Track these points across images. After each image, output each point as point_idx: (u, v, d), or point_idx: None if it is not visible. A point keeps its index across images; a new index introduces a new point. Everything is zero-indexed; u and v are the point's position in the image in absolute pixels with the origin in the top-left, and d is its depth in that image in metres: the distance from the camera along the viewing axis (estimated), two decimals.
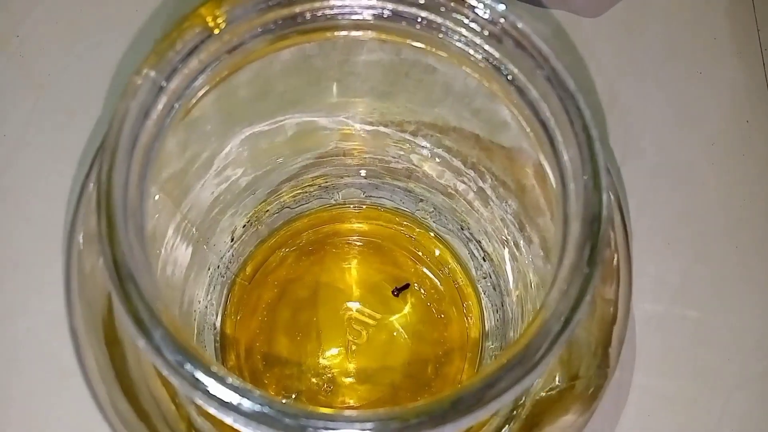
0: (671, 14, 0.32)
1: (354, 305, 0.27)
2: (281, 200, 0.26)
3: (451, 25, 0.15)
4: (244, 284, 0.27)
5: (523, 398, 0.20)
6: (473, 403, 0.12)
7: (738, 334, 0.28)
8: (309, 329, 0.26)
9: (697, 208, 0.29)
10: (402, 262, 0.28)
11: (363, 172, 0.26)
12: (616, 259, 0.17)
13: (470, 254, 0.27)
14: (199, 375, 0.12)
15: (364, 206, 0.28)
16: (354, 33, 0.16)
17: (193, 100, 0.16)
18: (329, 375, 0.26)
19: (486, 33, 0.15)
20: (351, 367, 0.26)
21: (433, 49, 0.16)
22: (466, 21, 0.15)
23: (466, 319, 0.27)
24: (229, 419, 0.13)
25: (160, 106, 0.15)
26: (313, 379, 0.26)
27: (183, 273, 0.23)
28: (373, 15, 0.15)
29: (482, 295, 0.27)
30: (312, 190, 0.27)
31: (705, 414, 0.26)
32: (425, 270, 0.27)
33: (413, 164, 0.25)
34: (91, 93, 0.29)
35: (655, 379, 0.27)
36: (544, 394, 0.19)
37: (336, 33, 0.16)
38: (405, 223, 0.28)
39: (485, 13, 0.15)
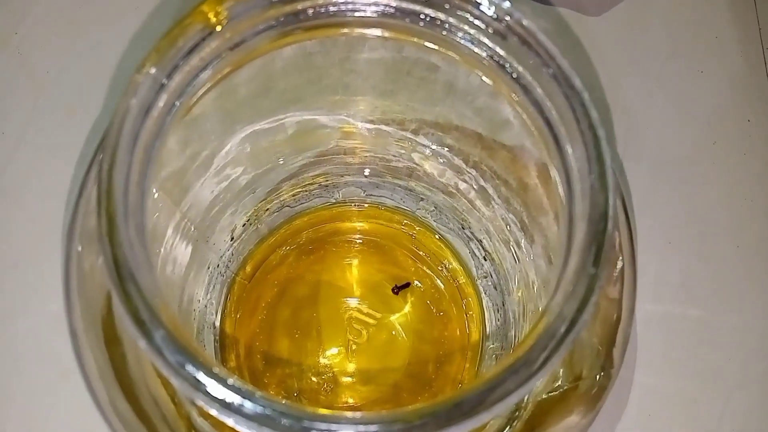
0: (673, 13, 0.32)
1: (354, 304, 0.27)
2: (281, 199, 0.26)
3: (455, 22, 0.15)
4: (244, 283, 0.27)
5: (526, 399, 0.20)
6: (476, 405, 0.12)
7: (739, 334, 0.27)
8: (309, 328, 0.26)
9: (698, 206, 0.29)
10: (402, 261, 0.28)
11: (364, 171, 0.26)
12: (620, 259, 0.17)
13: (471, 253, 0.27)
14: (201, 376, 0.12)
15: (365, 205, 0.27)
16: (357, 30, 0.16)
17: (194, 98, 0.16)
18: (330, 374, 0.26)
19: (491, 30, 0.15)
20: (351, 366, 0.26)
21: (437, 47, 0.16)
22: (470, 18, 0.15)
23: (467, 318, 0.27)
24: (230, 421, 0.12)
25: (161, 104, 0.14)
26: (314, 378, 0.26)
27: (183, 272, 0.22)
28: (377, 12, 0.15)
29: (483, 294, 0.27)
30: (312, 188, 0.26)
31: (706, 413, 0.26)
32: (425, 269, 0.27)
33: (414, 163, 0.25)
34: (90, 91, 0.29)
35: (656, 378, 0.27)
36: (546, 395, 0.19)
37: (339, 30, 0.16)
38: (406, 221, 0.28)
39: (490, 10, 0.15)
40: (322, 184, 0.26)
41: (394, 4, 0.15)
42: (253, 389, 0.12)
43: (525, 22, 0.14)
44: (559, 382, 0.19)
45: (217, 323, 0.25)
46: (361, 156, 0.25)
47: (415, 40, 0.16)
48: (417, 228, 0.28)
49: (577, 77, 0.14)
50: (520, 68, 0.15)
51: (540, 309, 0.15)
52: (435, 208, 0.27)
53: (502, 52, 0.15)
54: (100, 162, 0.13)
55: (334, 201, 0.27)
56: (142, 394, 0.17)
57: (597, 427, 0.25)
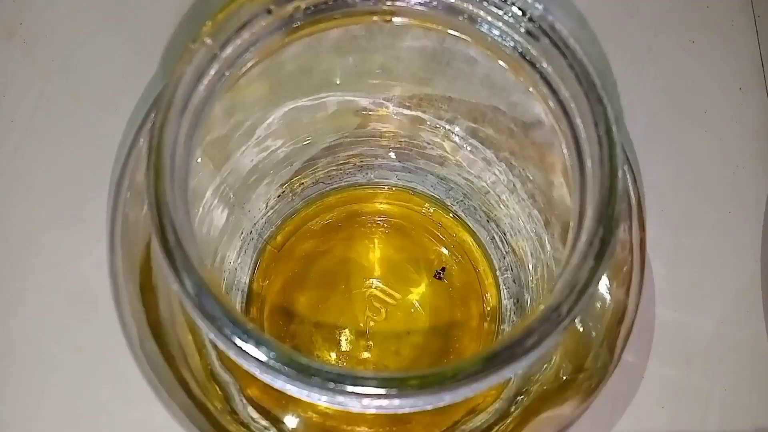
0: None
1: (376, 283, 0.27)
2: (316, 175, 0.27)
3: (490, 19, 0.16)
4: (274, 251, 0.28)
5: (528, 386, 0.20)
6: (474, 373, 0.13)
7: (731, 299, 0.28)
8: (330, 303, 0.27)
9: (689, 174, 0.30)
10: (427, 246, 0.28)
11: (397, 155, 0.26)
12: (630, 261, 0.18)
13: (494, 245, 0.27)
14: (217, 312, 0.13)
15: (395, 188, 0.28)
16: (396, 19, 0.17)
17: (243, 70, 0.17)
18: (347, 349, 0.27)
19: (523, 30, 0.16)
20: (368, 343, 0.27)
21: (468, 38, 0.17)
22: (504, 16, 0.16)
23: (485, 308, 0.28)
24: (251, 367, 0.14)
25: (212, 72, 0.16)
26: (332, 354, 0.27)
27: (217, 234, 0.24)
28: (418, 3, 0.16)
29: (502, 287, 0.27)
30: (347, 167, 0.27)
31: (718, 407, 0.27)
32: (448, 255, 0.28)
33: (446, 152, 0.25)
34: (96, 80, 0.30)
35: (670, 369, 0.27)
36: (546, 387, 0.20)
37: (380, 18, 0.17)
38: (433, 208, 0.28)
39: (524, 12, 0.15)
40: (357, 164, 0.27)
41: None
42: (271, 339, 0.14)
43: (557, 26, 0.15)
44: (562, 373, 0.19)
45: (245, 286, 0.27)
46: (396, 140, 0.26)
47: (451, 32, 0.17)
48: (444, 215, 0.28)
49: (598, 79, 0.14)
50: (550, 68, 0.16)
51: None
52: (463, 197, 0.27)
53: (533, 51, 0.16)
54: (153, 119, 0.14)
55: (366, 182, 0.28)
56: (169, 339, 0.18)
57: (605, 415, 0.26)
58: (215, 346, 0.18)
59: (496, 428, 0.20)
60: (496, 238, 0.27)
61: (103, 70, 0.30)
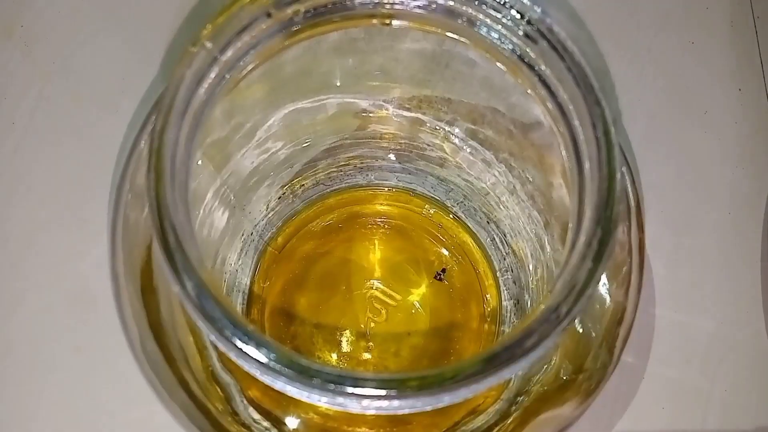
0: None
1: (377, 284, 0.28)
2: (317, 176, 0.27)
3: (489, 21, 0.16)
4: (275, 253, 0.28)
5: (528, 386, 0.20)
6: (474, 374, 0.13)
7: (732, 301, 0.28)
8: (331, 304, 0.27)
9: (689, 175, 0.30)
10: (427, 247, 0.28)
11: (397, 157, 0.26)
12: (629, 261, 0.18)
13: (494, 247, 0.27)
14: (217, 314, 0.14)
15: (395, 190, 0.28)
16: (395, 22, 0.17)
17: (243, 73, 0.17)
18: (347, 350, 0.27)
19: (521, 32, 0.16)
20: (368, 344, 0.27)
21: (466, 41, 0.17)
22: (503, 19, 0.16)
23: (485, 310, 0.28)
24: (250, 368, 0.14)
25: (212, 75, 0.16)
26: (333, 355, 0.27)
27: (218, 235, 0.24)
28: (417, 6, 0.16)
29: (502, 288, 0.27)
30: (347, 169, 0.27)
31: (718, 407, 0.27)
32: (449, 257, 0.28)
33: (446, 153, 0.25)
34: (96, 81, 0.30)
35: (670, 369, 0.27)
36: (546, 387, 0.20)
37: (379, 21, 0.17)
38: (433, 210, 0.28)
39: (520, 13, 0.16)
40: (357, 166, 0.27)
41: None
42: (271, 340, 0.14)
43: (555, 28, 0.15)
44: (562, 374, 0.20)
45: (246, 287, 0.27)
46: (396, 142, 0.26)
47: (449, 35, 0.17)
48: (444, 217, 0.28)
49: (597, 82, 0.15)
50: (548, 70, 0.16)
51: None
52: (463, 198, 0.27)
53: (531, 54, 0.16)
54: (153, 122, 0.14)
55: (366, 183, 0.28)
56: (170, 340, 0.18)
57: (605, 415, 0.26)
58: (216, 348, 0.18)
59: (496, 429, 0.20)
60: (497, 240, 0.27)
61: (103, 71, 0.30)
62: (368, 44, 0.21)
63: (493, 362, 0.13)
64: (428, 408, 0.14)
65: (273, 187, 0.26)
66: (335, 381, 0.13)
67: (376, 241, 0.29)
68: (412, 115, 0.24)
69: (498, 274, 0.28)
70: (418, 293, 0.28)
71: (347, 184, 0.28)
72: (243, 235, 0.26)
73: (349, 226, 0.29)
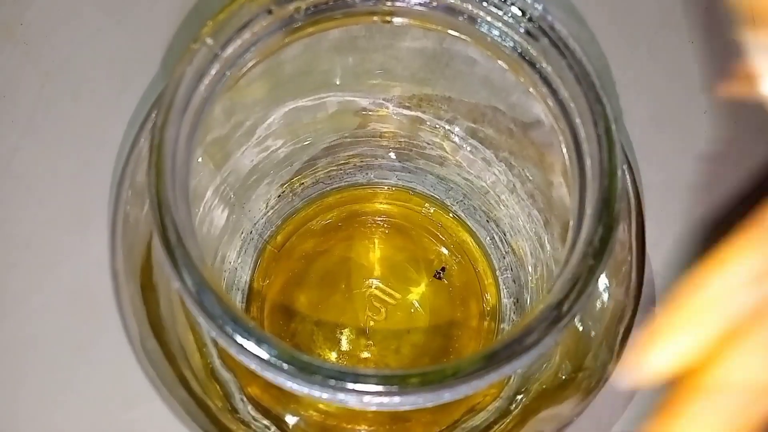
0: None
1: (376, 283, 0.28)
2: (316, 175, 0.27)
3: (489, 19, 0.16)
4: (274, 251, 0.28)
5: (528, 385, 0.21)
6: (474, 371, 0.13)
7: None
8: (330, 302, 0.27)
9: (689, 175, 0.30)
10: (426, 246, 0.28)
11: (397, 155, 0.27)
12: (629, 260, 0.18)
13: (494, 245, 0.27)
14: (213, 307, 0.14)
15: (395, 188, 0.28)
16: (396, 20, 0.17)
17: (243, 70, 0.17)
18: (347, 348, 0.27)
19: (522, 30, 0.16)
20: (368, 342, 0.27)
21: (467, 38, 0.17)
22: (504, 17, 0.16)
23: (485, 308, 0.28)
24: (252, 364, 0.14)
25: (212, 72, 0.16)
26: (333, 353, 0.27)
27: (217, 233, 0.24)
28: (418, 3, 0.16)
29: (502, 286, 0.27)
30: (347, 168, 0.27)
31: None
32: (448, 255, 0.28)
33: (446, 152, 0.25)
34: (96, 81, 0.30)
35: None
36: (546, 386, 0.20)
37: (380, 18, 0.17)
38: (433, 208, 0.28)
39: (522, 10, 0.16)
40: (357, 164, 0.27)
41: None
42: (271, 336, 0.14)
43: (557, 26, 0.15)
44: (561, 373, 0.20)
45: (246, 285, 0.27)
46: (396, 140, 0.26)
47: (451, 32, 0.17)
48: (444, 215, 0.28)
49: (598, 80, 0.15)
50: (549, 68, 0.16)
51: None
52: (463, 197, 0.28)
53: (532, 51, 0.16)
54: (154, 119, 0.14)
55: (366, 182, 0.28)
56: (170, 338, 0.18)
57: (605, 414, 0.26)
58: (216, 345, 0.18)
59: (496, 427, 0.20)
60: (496, 238, 0.27)
61: (103, 70, 0.30)
62: (369, 42, 0.21)
63: (493, 359, 0.13)
64: (429, 404, 0.14)
65: (273, 185, 0.26)
66: (337, 377, 0.13)
67: (376, 240, 0.29)
68: (412, 113, 0.24)
69: (497, 272, 0.28)
70: (417, 292, 0.28)
71: (347, 183, 0.28)
72: (243, 233, 0.26)
73: (349, 224, 0.29)
